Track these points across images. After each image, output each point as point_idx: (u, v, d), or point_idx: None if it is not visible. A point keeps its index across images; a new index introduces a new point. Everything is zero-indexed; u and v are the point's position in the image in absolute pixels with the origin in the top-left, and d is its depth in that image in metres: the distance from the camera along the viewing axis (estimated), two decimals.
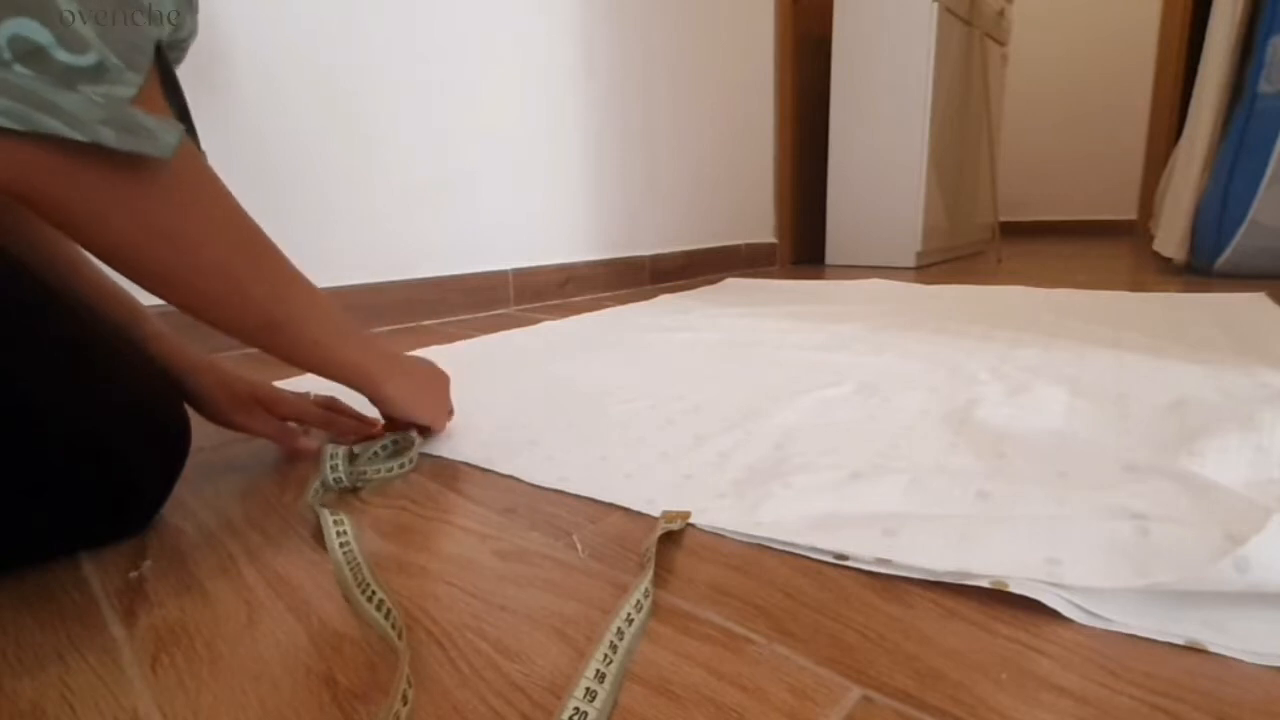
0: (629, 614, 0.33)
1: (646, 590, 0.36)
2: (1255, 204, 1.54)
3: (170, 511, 0.50)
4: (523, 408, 0.73)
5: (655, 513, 0.46)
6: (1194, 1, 3.06)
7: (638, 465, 0.55)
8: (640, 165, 1.84)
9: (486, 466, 0.57)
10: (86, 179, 0.34)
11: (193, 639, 0.35)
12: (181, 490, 0.50)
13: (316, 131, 1.17)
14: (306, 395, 0.62)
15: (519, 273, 1.54)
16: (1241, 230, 1.57)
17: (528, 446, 0.61)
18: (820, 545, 0.40)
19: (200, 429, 0.52)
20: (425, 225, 1.35)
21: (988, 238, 2.64)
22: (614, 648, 0.31)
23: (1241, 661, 0.30)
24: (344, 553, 0.41)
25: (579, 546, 0.43)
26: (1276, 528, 0.33)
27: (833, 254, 2.38)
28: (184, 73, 0.44)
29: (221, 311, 0.42)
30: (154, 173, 0.36)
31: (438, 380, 0.62)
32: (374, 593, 0.37)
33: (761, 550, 0.41)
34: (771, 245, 2.42)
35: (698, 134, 2.02)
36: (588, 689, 0.28)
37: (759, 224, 2.36)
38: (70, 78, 0.32)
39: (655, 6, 1.81)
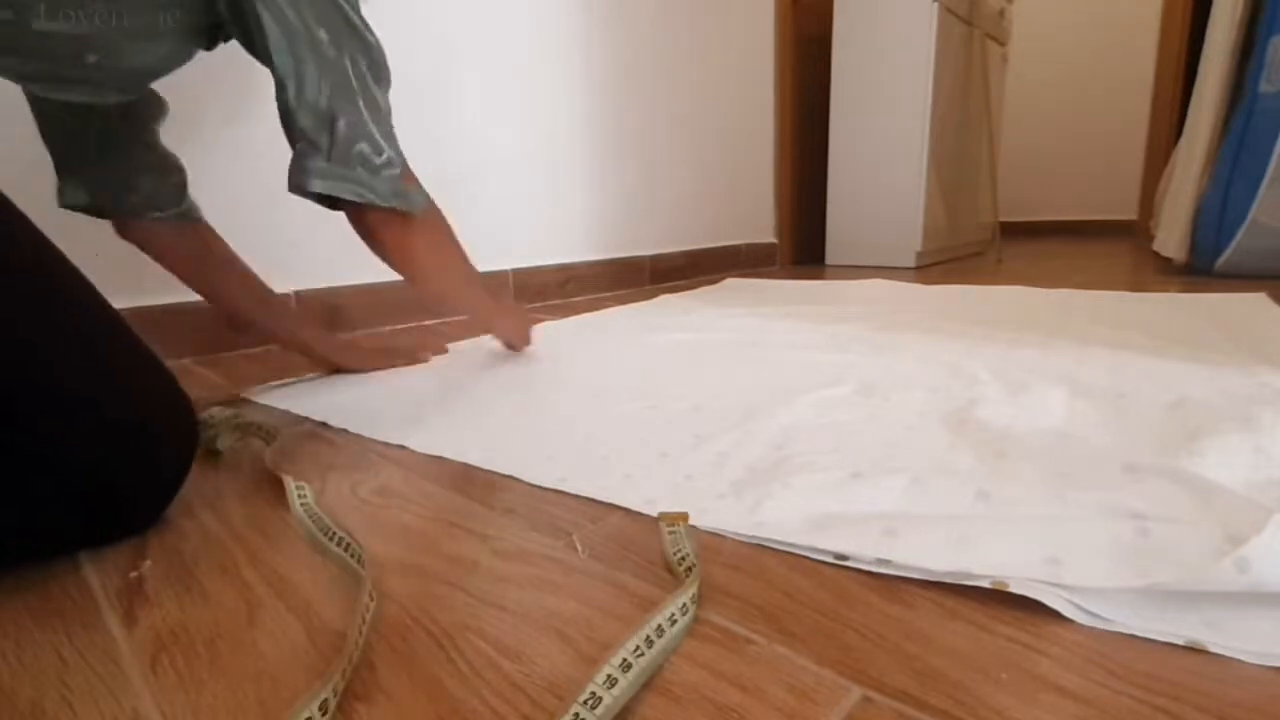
0: (673, 615, 0.33)
1: (694, 597, 0.35)
2: (1255, 204, 1.54)
3: (170, 511, 0.50)
4: (523, 408, 0.73)
5: (655, 513, 0.46)
6: (1194, 1, 3.06)
7: (638, 465, 0.55)
8: (640, 165, 1.84)
9: (487, 466, 0.57)
10: (385, 224, 0.66)
11: (193, 639, 0.35)
12: (182, 490, 0.50)
13: None
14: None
15: (519, 272, 1.54)
16: (1242, 230, 1.57)
17: (528, 446, 0.61)
18: (820, 545, 0.40)
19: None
20: None
21: (988, 238, 2.64)
22: (650, 642, 0.31)
23: (1241, 661, 0.30)
24: (304, 509, 0.48)
25: (579, 546, 0.43)
26: (1276, 528, 0.33)
27: (833, 254, 2.38)
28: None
29: (430, 287, 0.76)
30: (411, 221, 0.68)
31: (525, 319, 1.03)
32: (335, 534, 0.43)
33: (761, 550, 0.41)
34: (771, 245, 2.41)
35: (698, 134, 2.02)
36: (609, 675, 0.28)
37: (759, 224, 2.36)
38: (377, 169, 0.62)
39: (655, 6, 1.81)
